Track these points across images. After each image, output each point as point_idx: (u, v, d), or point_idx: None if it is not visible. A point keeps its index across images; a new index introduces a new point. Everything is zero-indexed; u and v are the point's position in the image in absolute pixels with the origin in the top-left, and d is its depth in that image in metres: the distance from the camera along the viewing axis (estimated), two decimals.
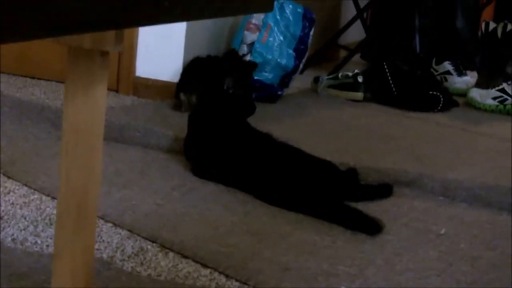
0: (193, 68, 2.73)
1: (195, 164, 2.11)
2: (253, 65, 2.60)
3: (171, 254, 1.58)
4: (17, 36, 0.67)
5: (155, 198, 1.88)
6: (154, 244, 1.62)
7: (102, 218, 1.71)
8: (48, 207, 1.77)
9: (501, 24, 3.64)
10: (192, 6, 0.99)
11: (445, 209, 2.01)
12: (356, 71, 3.34)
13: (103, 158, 1.23)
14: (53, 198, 1.81)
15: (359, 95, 3.26)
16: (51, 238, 1.57)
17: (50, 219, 1.69)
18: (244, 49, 3.07)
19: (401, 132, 2.77)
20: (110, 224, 1.70)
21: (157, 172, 2.09)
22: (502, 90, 3.27)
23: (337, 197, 1.90)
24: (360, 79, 3.27)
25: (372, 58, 4.08)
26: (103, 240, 1.61)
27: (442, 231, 1.84)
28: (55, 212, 1.71)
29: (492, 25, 3.68)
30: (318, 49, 3.89)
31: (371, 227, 1.78)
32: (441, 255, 1.70)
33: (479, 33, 3.88)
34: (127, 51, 2.84)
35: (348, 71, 3.39)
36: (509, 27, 3.61)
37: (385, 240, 1.76)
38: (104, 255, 1.55)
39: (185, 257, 1.57)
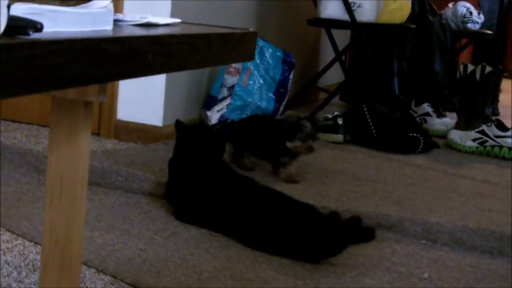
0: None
1: (177, 208, 2.11)
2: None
3: None
4: (3, 93, 0.67)
5: (138, 243, 1.87)
6: None
7: (85, 264, 1.70)
8: (32, 252, 1.76)
9: (479, 66, 3.69)
10: (174, 59, 1.00)
11: (428, 253, 2.02)
12: (336, 113, 3.37)
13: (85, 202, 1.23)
14: (36, 243, 1.80)
15: (339, 137, 3.28)
16: (35, 285, 1.55)
17: (33, 265, 1.68)
18: (225, 92, 3.09)
19: (381, 174, 2.78)
20: (93, 270, 1.68)
21: (139, 217, 2.09)
22: (482, 132, 3.30)
23: (319, 241, 1.90)
24: (340, 121, 3.30)
25: (351, 100, 4.12)
26: (87, 286, 1.60)
27: (425, 275, 1.84)
28: (38, 257, 1.70)
29: (470, 68, 3.74)
30: (298, 91, 3.92)
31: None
32: None
33: (458, 75, 3.93)
34: (108, 95, 2.84)
35: (327, 114, 3.42)
36: (487, 69, 3.67)
37: (368, 285, 1.75)
38: None
39: None
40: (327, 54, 4.43)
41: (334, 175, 2.73)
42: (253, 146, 2.60)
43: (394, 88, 4.13)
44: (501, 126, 3.27)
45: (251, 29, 1.25)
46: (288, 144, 2.46)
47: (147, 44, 0.92)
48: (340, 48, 4.05)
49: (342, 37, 4.29)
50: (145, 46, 0.91)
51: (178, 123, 2.19)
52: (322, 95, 4.19)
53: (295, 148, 2.47)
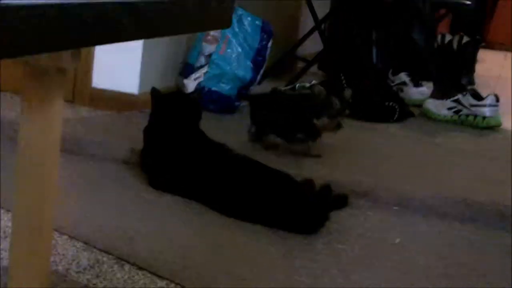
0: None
1: (151, 175, 2.11)
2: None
3: (127, 266, 1.57)
4: None
5: (111, 210, 1.88)
6: (110, 256, 1.61)
7: (57, 231, 1.70)
8: (3, 219, 1.76)
9: (457, 37, 3.70)
10: (149, 25, 1.00)
11: (400, 220, 2.04)
12: (313, 82, 3.36)
13: (58, 170, 1.23)
14: (8, 210, 1.79)
15: None
16: (6, 251, 1.56)
17: (5, 231, 1.68)
18: (202, 60, 3.08)
19: (358, 143, 2.80)
20: (66, 237, 1.69)
21: (113, 184, 2.09)
22: (457, 101, 3.32)
23: (293, 207, 1.91)
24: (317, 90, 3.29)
25: (329, 70, 4.12)
26: (58, 253, 1.60)
27: (397, 241, 1.86)
28: (10, 224, 1.70)
29: (448, 37, 3.75)
30: (276, 60, 3.91)
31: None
32: (396, 265, 1.72)
33: (435, 45, 3.94)
34: (83, 62, 2.82)
35: (305, 83, 3.41)
36: (464, 39, 3.68)
37: (341, 250, 1.77)
38: (60, 268, 1.54)
39: (141, 268, 1.57)
40: (307, 23, 4.42)
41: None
42: (276, 124, 2.49)
43: (372, 57, 4.13)
44: (476, 96, 3.29)
45: None
46: (316, 121, 2.38)
47: (122, 10, 0.92)
48: (320, 17, 4.04)
49: (322, 6, 4.27)
50: (119, 12, 0.91)
51: (153, 91, 2.18)
52: (301, 64, 4.19)
53: (324, 126, 2.39)
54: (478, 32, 4.78)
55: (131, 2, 0.98)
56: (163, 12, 1.02)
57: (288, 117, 2.45)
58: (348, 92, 2.51)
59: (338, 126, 2.40)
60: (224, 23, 1.21)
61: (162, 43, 3.01)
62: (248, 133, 2.52)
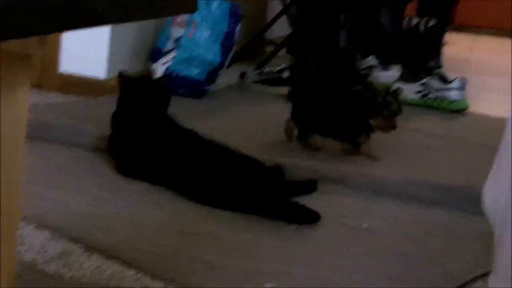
0: None
1: (120, 162, 2.08)
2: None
3: (95, 255, 1.55)
4: None
5: (80, 198, 1.85)
6: (78, 245, 1.59)
7: (24, 219, 1.67)
8: None
9: (424, 20, 3.71)
10: (116, 9, 0.98)
11: (373, 205, 2.04)
12: (282, 66, 3.36)
13: (26, 157, 1.20)
14: None
15: (285, 90, 3.27)
16: None
17: None
18: (171, 44, 3.05)
19: None
20: (33, 226, 1.66)
21: (82, 171, 2.06)
22: (424, 84, 3.33)
23: (263, 193, 1.90)
24: (285, 74, 3.29)
25: (298, 53, 4.10)
26: (25, 242, 1.57)
27: (364, 225, 1.86)
28: None
29: (414, 20, 3.75)
30: (245, 44, 3.89)
31: (307, 217, 1.82)
32: (368, 250, 1.72)
33: (403, 28, 3.94)
34: (51, 46, 2.78)
35: (275, 66, 3.41)
36: (431, 22, 3.69)
37: (313, 237, 1.77)
38: (26, 258, 1.51)
39: (110, 257, 1.55)
40: (275, 6, 4.40)
41: (280, 128, 2.72)
42: (324, 123, 2.37)
43: (341, 41, 4.13)
44: (443, 79, 3.30)
45: None
46: (372, 121, 2.29)
47: None
48: (288, 0, 4.02)
49: None
50: None
51: (121, 75, 2.16)
52: (270, 48, 4.17)
53: (379, 126, 2.30)
54: (445, 15, 4.79)
55: None
56: None
57: (340, 116, 2.33)
58: (400, 91, 2.42)
59: (393, 127, 2.31)
60: (190, 8, 1.19)
61: (131, 28, 2.97)
62: (284, 132, 2.41)
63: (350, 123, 2.33)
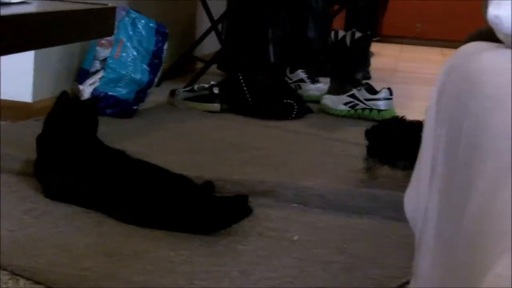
0: None
1: (46, 186, 2.06)
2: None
3: (22, 281, 1.53)
4: None
5: (6, 223, 1.82)
6: (4, 272, 1.56)
7: None
8: None
9: (350, 33, 3.77)
10: (34, 36, 0.98)
11: (299, 216, 2.06)
12: (212, 82, 3.37)
13: None
14: None
15: (216, 106, 3.30)
16: None
17: None
18: (97, 65, 3.04)
19: (258, 141, 2.82)
20: None
21: (7, 196, 2.03)
22: (353, 96, 3.38)
23: (192, 210, 1.91)
24: (216, 90, 3.31)
25: (228, 69, 4.13)
26: None
27: (295, 238, 1.88)
28: None
29: (341, 34, 3.82)
30: (175, 62, 3.90)
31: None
32: (296, 262, 1.74)
33: (329, 42, 4.01)
34: None
35: (205, 83, 3.42)
36: (356, 35, 3.75)
37: (241, 251, 1.78)
38: None
39: (37, 283, 1.53)
40: (204, 23, 4.42)
41: (211, 144, 2.74)
42: (398, 154, 2.26)
43: (269, 56, 4.17)
44: (371, 90, 3.37)
45: (109, 4, 1.23)
46: None
47: (4, 22, 0.90)
48: (216, 17, 4.05)
49: (219, 6, 4.28)
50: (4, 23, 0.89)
51: (62, 96, 2.13)
52: (200, 65, 4.19)
53: None
54: (372, 27, 4.89)
55: (14, 14, 0.96)
56: (40, 25, 1.00)
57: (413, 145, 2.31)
58: None
59: None
60: (106, 32, 1.19)
61: (55, 50, 2.95)
62: (365, 169, 2.34)
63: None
